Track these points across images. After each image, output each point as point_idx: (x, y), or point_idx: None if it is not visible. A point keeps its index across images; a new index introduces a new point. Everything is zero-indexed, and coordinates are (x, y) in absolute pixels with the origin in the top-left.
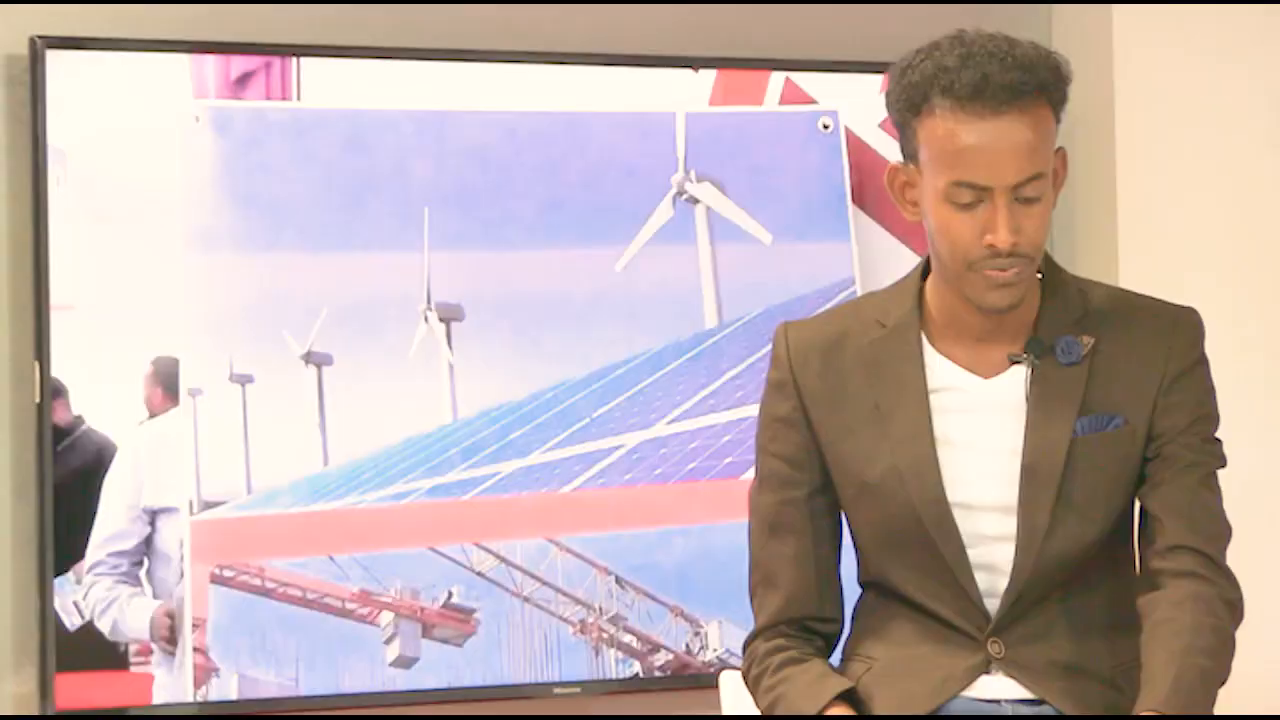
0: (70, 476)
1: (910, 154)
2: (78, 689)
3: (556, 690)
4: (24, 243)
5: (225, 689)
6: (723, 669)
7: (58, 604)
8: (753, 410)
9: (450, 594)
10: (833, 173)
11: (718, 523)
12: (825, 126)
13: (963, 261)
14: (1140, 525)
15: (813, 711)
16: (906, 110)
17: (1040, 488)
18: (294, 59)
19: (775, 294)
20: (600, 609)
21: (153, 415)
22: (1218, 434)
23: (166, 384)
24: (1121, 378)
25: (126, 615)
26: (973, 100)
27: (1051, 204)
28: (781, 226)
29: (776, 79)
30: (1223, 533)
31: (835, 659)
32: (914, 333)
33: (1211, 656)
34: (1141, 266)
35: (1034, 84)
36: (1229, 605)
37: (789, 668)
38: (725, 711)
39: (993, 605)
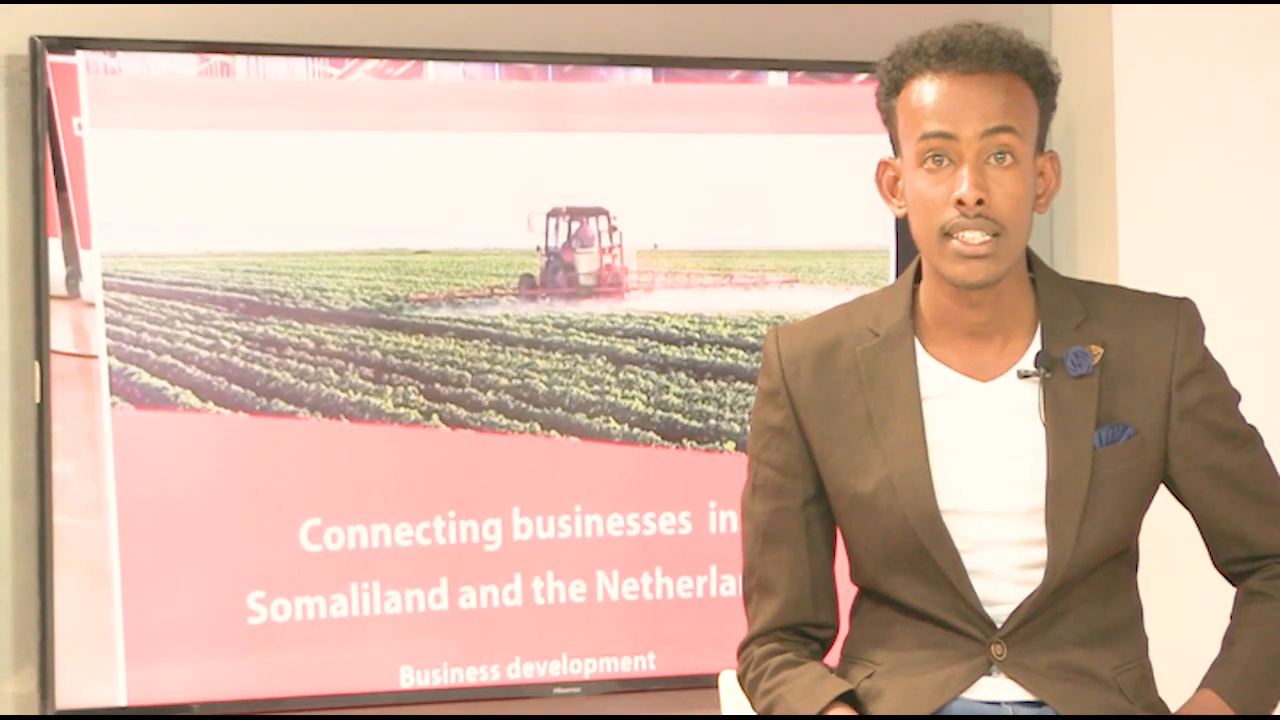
0: None
1: (894, 143)
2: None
3: (556, 690)
4: (24, 244)
5: (225, 686)
6: (723, 669)
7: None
8: None
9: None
10: None
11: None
12: None
13: (936, 230)
14: (1211, 535)
15: (813, 712)
16: (889, 95)
17: (1067, 504)
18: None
19: None
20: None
21: None
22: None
23: None
24: (1128, 384)
25: None
26: (942, 61)
27: (1030, 182)
28: None
29: None
30: None
31: (832, 660)
32: (907, 340)
33: None
34: (1141, 266)
35: (1004, 52)
36: None
37: (786, 670)
38: (725, 711)
39: (992, 610)
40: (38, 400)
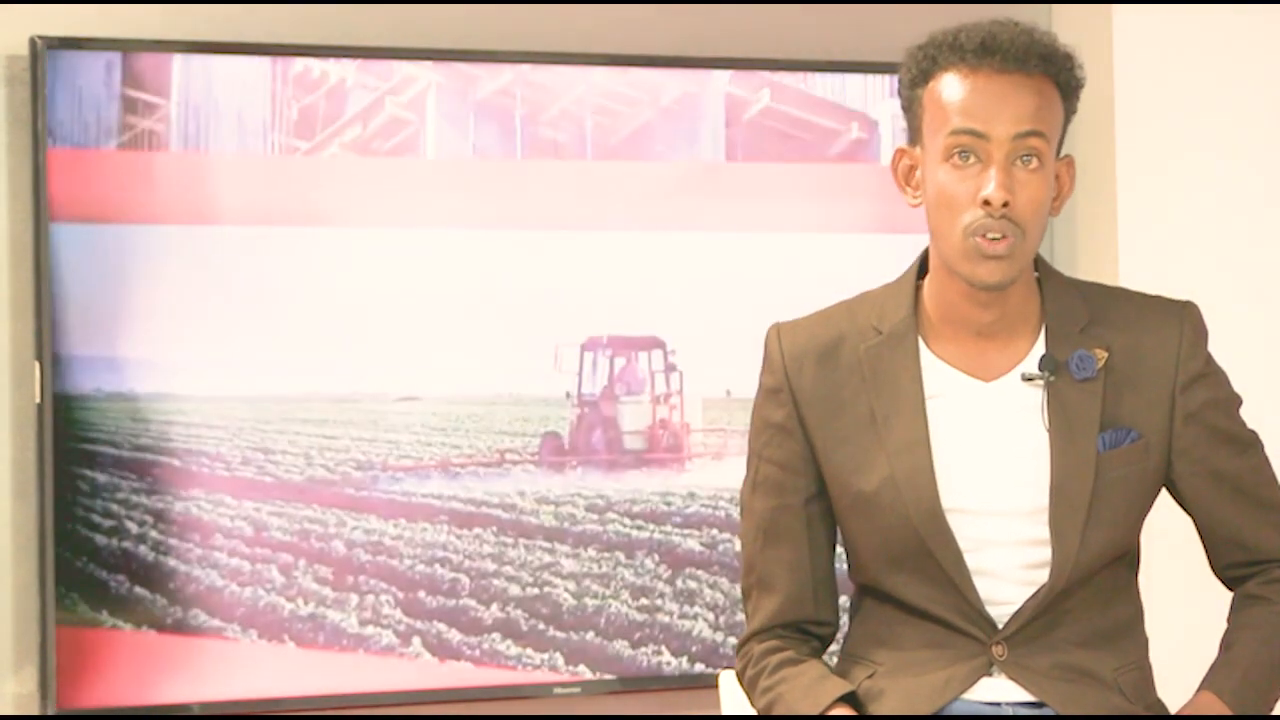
0: None
1: (915, 132)
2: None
3: (556, 690)
4: (24, 244)
5: (225, 686)
6: (723, 669)
7: None
8: None
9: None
10: None
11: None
12: None
13: (959, 228)
14: (1211, 538)
15: (814, 712)
16: (916, 84)
17: (1071, 507)
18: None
19: None
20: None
21: None
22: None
23: None
24: (1132, 387)
25: None
26: (978, 57)
27: (1051, 186)
28: None
29: None
30: None
31: (831, 659)
32: (911, 338)
33: None
34: (1141, 266)
35: (1040, 53)
36: None
37: (786, 668)
38: (725, 711)
39: (994, 610)
40: (38, 400)
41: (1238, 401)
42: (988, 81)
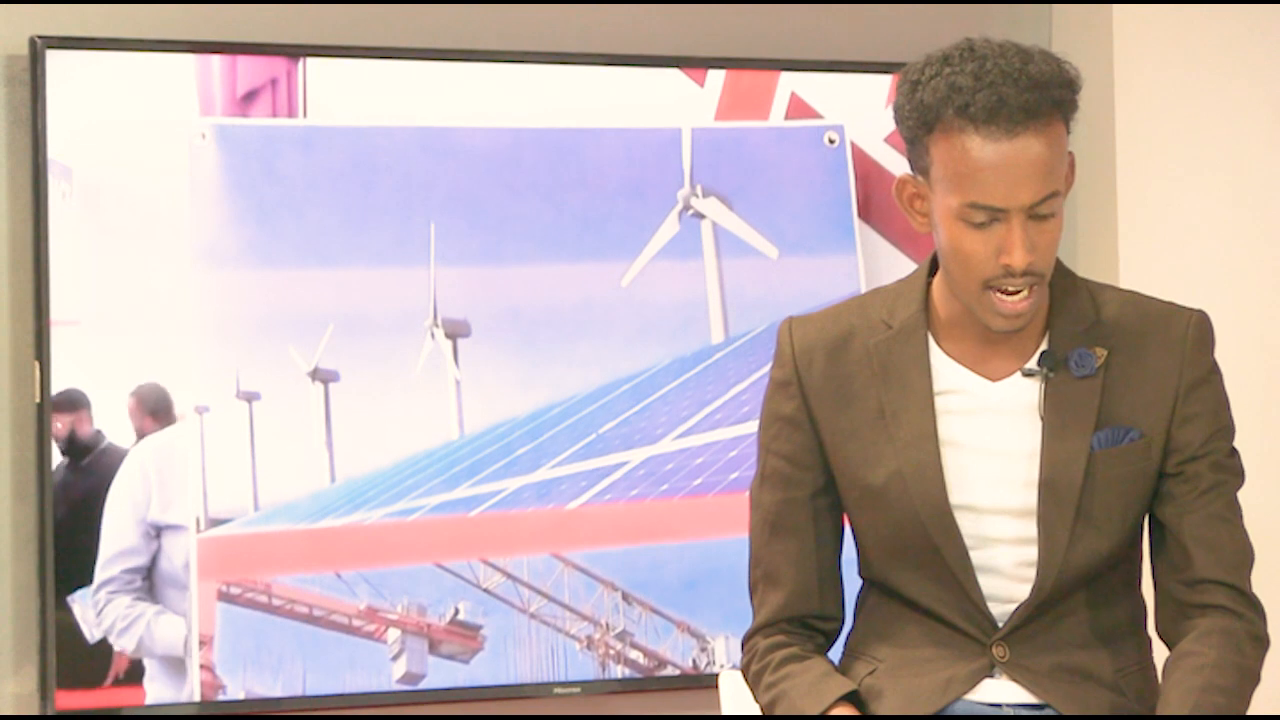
0: (84, 492)
1: (921, 169)
2: (81, 699)
3: (556, 690)
4: (24, 244)
5: (225, 686)
6: (723, 669)
7: (77, 614)
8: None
9: (457, 610)
10: (839, 187)
11: (724, 537)
12: (831, 141)
13: (977, 280)
14: (1158, 544)
15: (816, 711)
16: (918, 127)
17: (1060, 503)
18: (299, 62)
19: (781, 308)
20: (607, 624)
21: (155, 431)
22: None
23: (163, 404)
24: (1135, 389)
25: (154, 633)
26: (989, 122)
27: (1062, 216)
28: (787, 241)
29: (783, 93)
30: (1248, 560)
31: (836, 654)
32: (920, 334)
33: (1231, 695)
34: (1141, 266)
35: (1049, 102)
36: (1255, 641)
37: (790, 665)
38: (725, 711)
39: (996, 608)
40: (38, 400)
41: (1230, 433)
42: (998, 150)
